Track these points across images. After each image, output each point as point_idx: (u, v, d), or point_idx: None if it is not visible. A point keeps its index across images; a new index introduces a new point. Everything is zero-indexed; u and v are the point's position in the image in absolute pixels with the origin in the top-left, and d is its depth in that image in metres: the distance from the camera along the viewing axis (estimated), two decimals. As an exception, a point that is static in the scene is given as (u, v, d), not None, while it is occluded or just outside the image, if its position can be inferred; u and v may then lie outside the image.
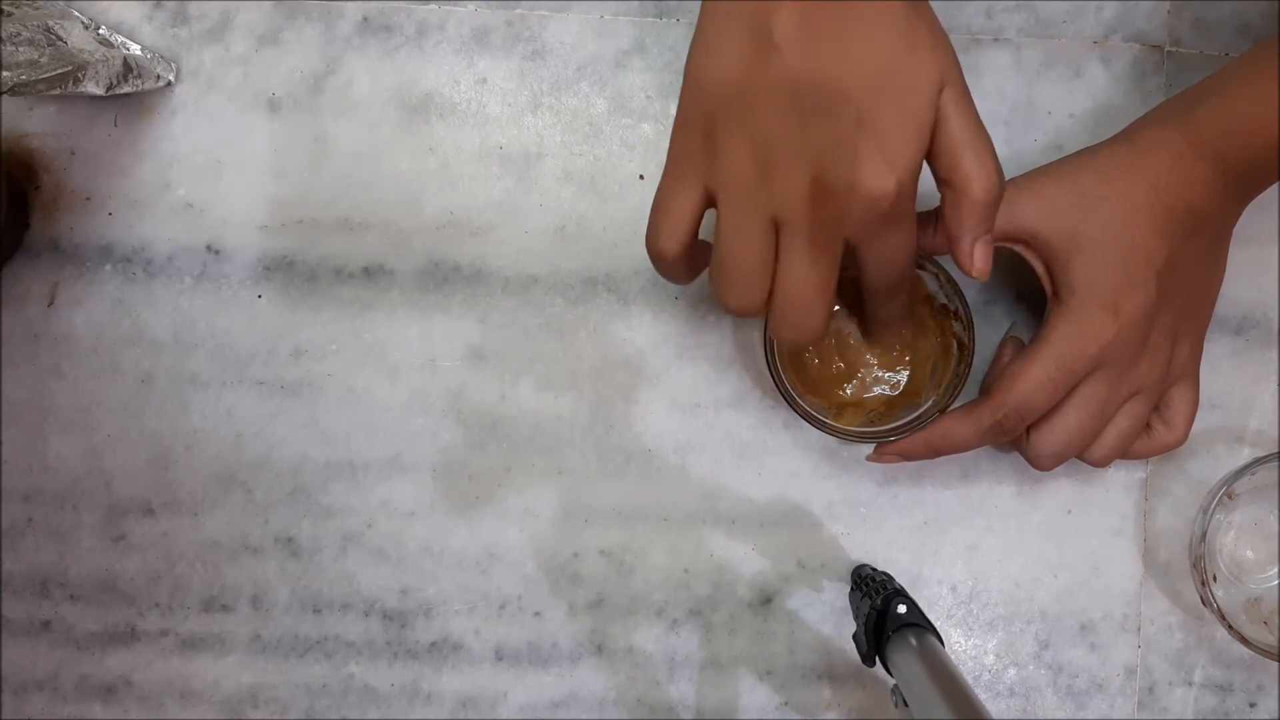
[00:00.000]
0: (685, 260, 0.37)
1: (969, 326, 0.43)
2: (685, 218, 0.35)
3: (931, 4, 0.48)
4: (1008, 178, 0.43)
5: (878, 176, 0.32)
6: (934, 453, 0.44)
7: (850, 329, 0.45)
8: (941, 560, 0.48)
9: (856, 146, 0.32)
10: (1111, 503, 0.48)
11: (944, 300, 0.45)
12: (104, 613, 0.47)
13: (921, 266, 0.44)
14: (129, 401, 0.47)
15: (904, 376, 0.46)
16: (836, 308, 0.45)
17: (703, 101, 0.34)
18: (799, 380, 0.45)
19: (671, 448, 0.48)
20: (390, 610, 0.48)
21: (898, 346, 0.46)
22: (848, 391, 0.46)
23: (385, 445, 0.48)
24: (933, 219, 0.43)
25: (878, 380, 0.46)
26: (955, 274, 0.43)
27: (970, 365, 0.43)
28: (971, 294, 0.47)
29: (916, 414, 0.44)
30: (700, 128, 0.34)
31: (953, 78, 0.33)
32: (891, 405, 0.46)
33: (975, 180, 0.34)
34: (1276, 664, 0.47)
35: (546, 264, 0.48)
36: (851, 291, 0.45)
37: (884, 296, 0.39)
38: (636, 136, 0.48)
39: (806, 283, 0.34)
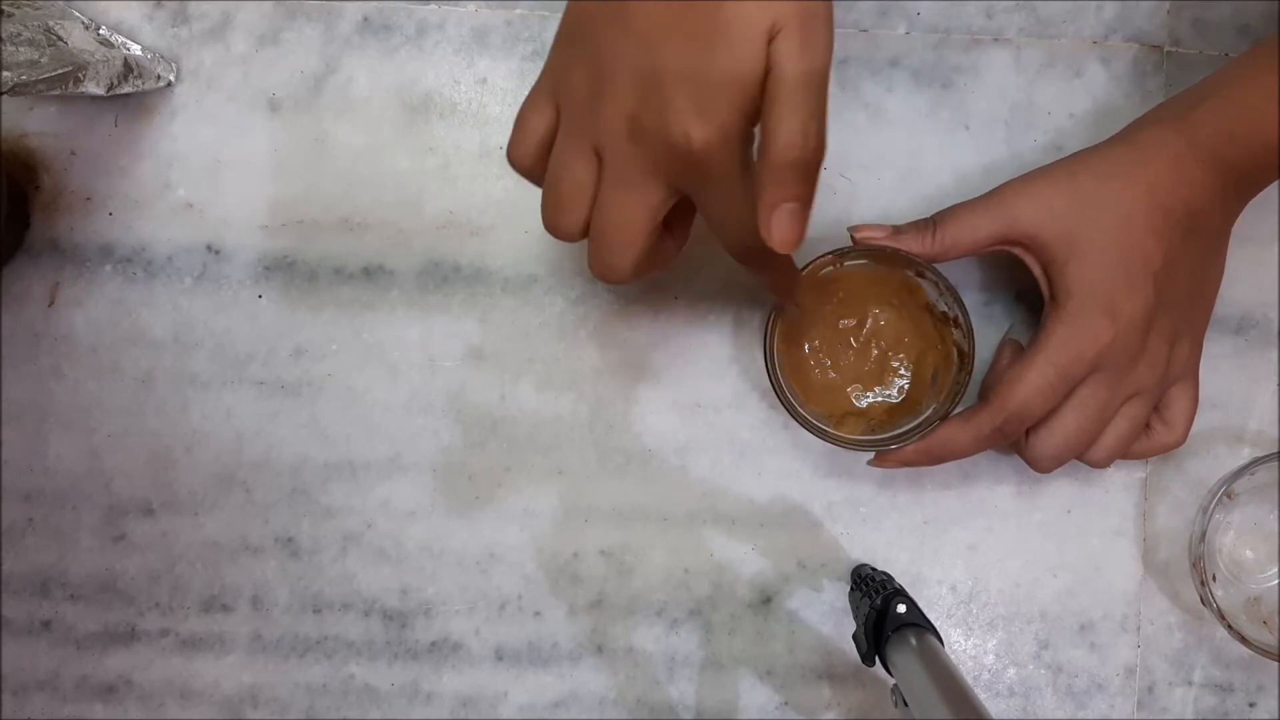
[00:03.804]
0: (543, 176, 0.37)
1: (969, 334, 0.43)
2: (536, 132, 0.36)
3: (932, 4, 0.48)
4: (1007, 178, 0.43)
5: (682, 124, 0.32)
6: (935, 460, 0.44)
7: (849, 335, 0.45)
8: (941, 560, 0.48)
9: (674, 90, 0.32)
10: (1111, 503, 0.48)
11: (944, 308, 0.44)
12: (104, 613, 0.47)
13: (921, 274, 0.44)
14: (129, 401, 0.47)
15: (905, 384, 0.46)
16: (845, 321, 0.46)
17: (568, 20, 0.35)
18: (800, 389, 0.45)
19: (671, 448, 0.48)
20: (390, 610, 0.48)
21: (900, 356, 0.45)
22: (849, 400, 0.45)
23: (385, 445, 0.48)
24: (930, 226, 0.43)
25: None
26: (955, 282, 0.43)
27: (970, 373, 0.43)
28: (971, 294, 0.47)
29: (917, 422, 0.44)
30: (563, 46, 0.35)
31: (789, 24, 0.31)
32: (892, 413, 0.45)
33: (775, 137, 0.31)
34: (1276, 664, 0.47)
35: (546, 264, 0.48)
36: (855, 287, 0.45)
37: (743, 261, 0.36)
38: (636, 136, 0.48)
39: (614, 219, 0.35)
